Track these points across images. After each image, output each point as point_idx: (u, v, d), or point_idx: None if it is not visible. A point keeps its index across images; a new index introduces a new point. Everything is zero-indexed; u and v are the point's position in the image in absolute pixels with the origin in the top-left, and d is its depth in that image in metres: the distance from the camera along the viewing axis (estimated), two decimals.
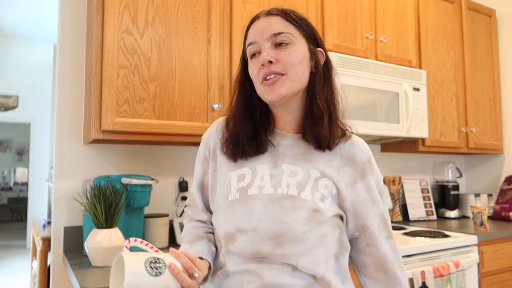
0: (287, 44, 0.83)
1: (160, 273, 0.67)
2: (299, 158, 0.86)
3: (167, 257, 0.71)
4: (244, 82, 0.91)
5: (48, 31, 5.56)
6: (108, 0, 1.42)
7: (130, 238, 0.77)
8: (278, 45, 0.83)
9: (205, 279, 0.85)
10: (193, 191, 0.97)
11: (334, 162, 0.85)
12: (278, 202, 0.81)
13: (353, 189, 0.84)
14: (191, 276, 0.73)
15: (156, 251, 0.76)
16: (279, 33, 0.83)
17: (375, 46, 2.13)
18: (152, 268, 0.67)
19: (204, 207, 0.96)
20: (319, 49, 0.88)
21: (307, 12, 1.89)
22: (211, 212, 0.94)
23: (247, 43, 0.88)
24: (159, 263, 0.68)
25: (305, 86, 0.86)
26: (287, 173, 0.84)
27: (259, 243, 0.79)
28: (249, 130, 0.87)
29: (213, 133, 0.95)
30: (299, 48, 0.85)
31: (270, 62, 0.82)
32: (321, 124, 0.84)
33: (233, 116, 0.90)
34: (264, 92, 0.84)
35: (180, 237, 1.00)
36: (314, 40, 0.88)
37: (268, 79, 0.82)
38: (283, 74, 0.82)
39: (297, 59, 0.83)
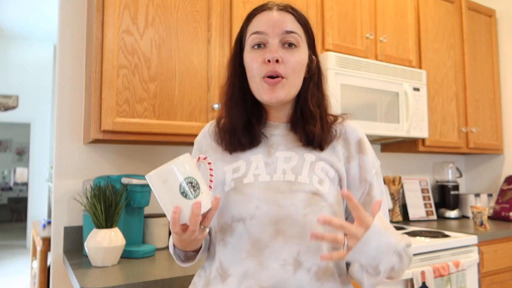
0: (295, 46, 0.83)
1: (185, 197, 0.69)
2: (294, 145, 0.86)
3: (204, 195, 0.71)
4: (238, 66, 0.89)
5: (48, 31, 5.56)
6: (108, 0, 1.42)
7: (206, 157, 0.76)
8: (286, 45, 0.83)
9: (192, 256, 0.83)
10: None
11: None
12: (275, 187, 0.80)
13: (346, 168, 0.85)
14: (201, 226, 0.73)
15: (210, 182, 0.76)
16: (291, 32, 0.82)
17: (375, 46, 2.13)
18: (187, 186, 0.69)
19: None
20: (313, 56, 0.90)
21: (307, 12, 1.89)
22: None
23: (252, 30, 0.85)
24: (194, 190, 0.70)
25: (298, 91, 0.87)
26: (281, 160, 0.84)
27: (258, 231, 0.77)
28: (243, 120, 0.87)
29: (206, 133, 0.94)
30: (303, 53, 0.85)
31: (277, 61, 0.81)
32: (313, 124, 0.85)
33: (227, 100, 0.89)
34: (263, 90, 0.83)
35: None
36: (313, 46, 0.89)
37: (270, 77, 0.82)
38: (283, 77, 0.82)
39: (299, 65, 0.84)
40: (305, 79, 0.88)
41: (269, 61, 0.81)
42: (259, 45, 0.83)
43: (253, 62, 0.83)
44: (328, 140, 0.86)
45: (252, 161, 0.84)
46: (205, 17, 1.63)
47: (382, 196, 0.87)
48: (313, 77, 0.89)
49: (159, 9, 1.53)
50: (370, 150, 0.89)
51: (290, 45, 0.83)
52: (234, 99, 0.88)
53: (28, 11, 4.85)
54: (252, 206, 0.78)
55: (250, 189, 0.80)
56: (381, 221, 0.70)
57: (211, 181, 0.76)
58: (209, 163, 0.76)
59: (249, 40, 0.85)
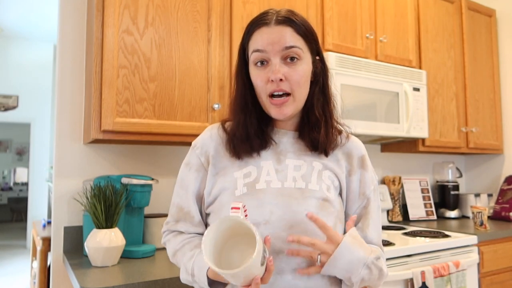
0: (297, 60, 0.83)
1: (262, 265, 0.68)
2: (301, 153, 0.88)
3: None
4: (246, 78, 0.89)
5: (48, 31, 5.56)
6: (108, 0, 1.42)
7: (241, 205, 0.72)
8: (288, 59, 0.83)
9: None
10: (184, 204, 0.90)
11: (333, 156, 0.89)
12: (287, 194, 0.81)
13: (347, 181, 0.90)
14: None
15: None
16: (291, 47, 0.82)
17: (375, 46, 2.13)
18: (263, 256, 0.68)
19: (201, 219, 0.91)
20: (317, 57, 0.89)
21: (307, 12, 1.89)
22: (206, 226, 0.91)
23: (253, 47, 0.85)
24: (267, 254, 0.70)
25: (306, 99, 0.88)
26: (291, 168, 0.85)
27: (272, 236, 0.77)
28: (255, 125, 0.88)
29: (213, 136, 0.93)
30: (306, 64, 0.85)
31: (280, 79, 0.82)
32: (318, 131, 0.87)
33: (238, 110, 0.89)
34: (270, 109, 0.85)
35: (171, 250, 0.94)
36: (316, 50, 0.89)
37: (276, 96, 0.83)
38: (289, 94, 0.83)
39: (303, 78, 0.84)
40: (311, 83, 0.88)
41: (272, 80, 0.82)
42: (262, 62, 0.84)
43: (258, 80, 0.85)
44: (332, 146, 0.89)
45: (263, 167, 0.85)
46: (205, 17, 1.63)
47: (378, 210, 0.91)
48: (318, 80, 0.89)
49: (159, 9, 1.53)
50: (370, 167, 0.93)
51: (292, 59, 0.83)
52: (248, 110, 0.88)
53: (28, 11, 4.85)
54: (266, 211, 0.79)
55: (263, 195, 0.81)
56: (351, 238, 0.76)
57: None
58: (245, 210, 0.74)
59: (252, 58, 0.85)
